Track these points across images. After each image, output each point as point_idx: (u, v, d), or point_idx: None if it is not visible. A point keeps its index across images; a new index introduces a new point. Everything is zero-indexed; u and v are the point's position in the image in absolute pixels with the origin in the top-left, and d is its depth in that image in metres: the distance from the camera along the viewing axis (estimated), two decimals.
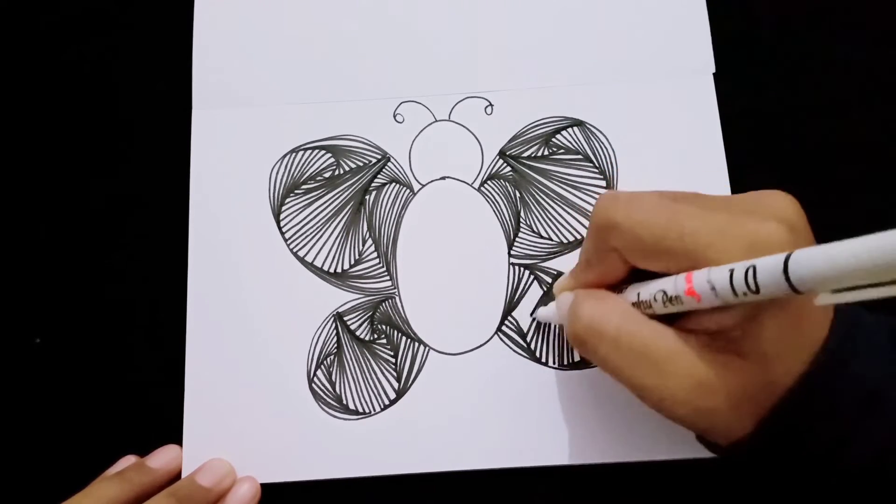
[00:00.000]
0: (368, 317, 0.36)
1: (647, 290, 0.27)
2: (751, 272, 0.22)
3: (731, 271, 0.23)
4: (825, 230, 0.37)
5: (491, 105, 0.38)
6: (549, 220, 0.37)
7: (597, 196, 0.36)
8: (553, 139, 0.38)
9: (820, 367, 0.25)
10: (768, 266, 0.21)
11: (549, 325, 0.35)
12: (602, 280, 0.29)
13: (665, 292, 0.26)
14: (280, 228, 0.37)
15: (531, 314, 0.36)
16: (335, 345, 0.36)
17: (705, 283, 0.24)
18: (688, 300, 0.25)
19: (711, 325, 0.26)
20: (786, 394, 0.25)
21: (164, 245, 0.37)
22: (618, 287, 0.29)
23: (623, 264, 0.28)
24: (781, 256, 0.21)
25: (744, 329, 0.25)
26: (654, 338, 0.26)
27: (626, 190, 0.31)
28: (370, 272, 0.37)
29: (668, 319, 0.27)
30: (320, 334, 0.36)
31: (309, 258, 0.37)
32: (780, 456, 0.26)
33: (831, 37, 0.39)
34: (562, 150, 0.38)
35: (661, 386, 0.26)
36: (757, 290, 0.22)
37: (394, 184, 0.38)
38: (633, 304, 0.28)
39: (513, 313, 0.36)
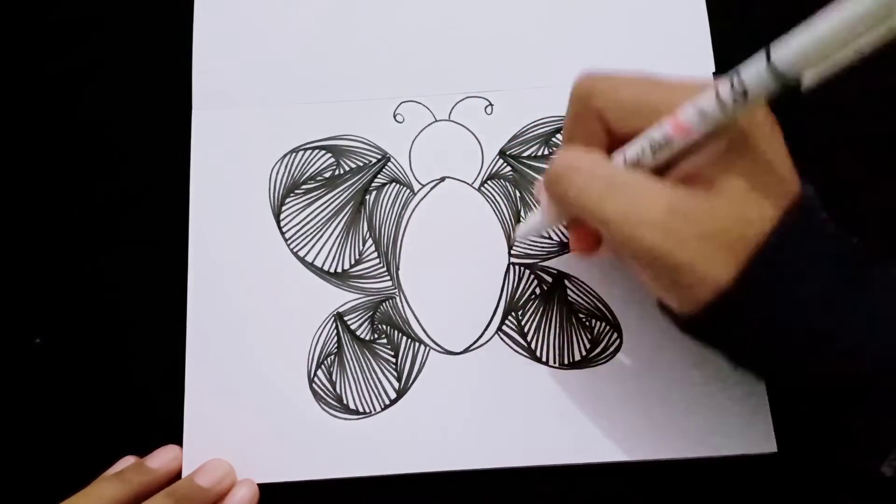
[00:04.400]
0: (369, 317, 0.36)
1: (633, 148, 0.27)
2: (736, 77, 0.23)
3: (717, 90, 0.23)
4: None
5: (491, 105, 0.38)
6: None
7: None
8: (553, 139, 0.38)
9: (798, 213, 0.25)
10: (752, 64, 0.22)
11: (549, 324, 0.35)
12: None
13: (651, 139, 0.26)
14: (280, 228, 0.37)
15: (512, 238, 0.36)
16: (335, 345, 0.36)
17: (692, 112, 0.24)
18: (676, 138, 0.25)
19: (688, 168, 0.26)
20: (764, 238, 0.25)
21: (164, 245, 0.37)
22: None
23: (603, 133, 0.28)
24: (762, 51, 0.22)
25: (717, 167, 0.25)
26: (628, 173, 0.27)
27: None
28: (370, 272, 0.37)
29: None
30: (320, 334, 0.36)
31: (309, 258, 0.37)
32: (762, 310, 0.25)
33: None
34: None
35: (634, 211, 0.25)
36: (745, 93, 0.23)
37: (394, 184, 0.38)
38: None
39: (513, 313, 0.36)
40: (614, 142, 0.28)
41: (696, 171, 0.26)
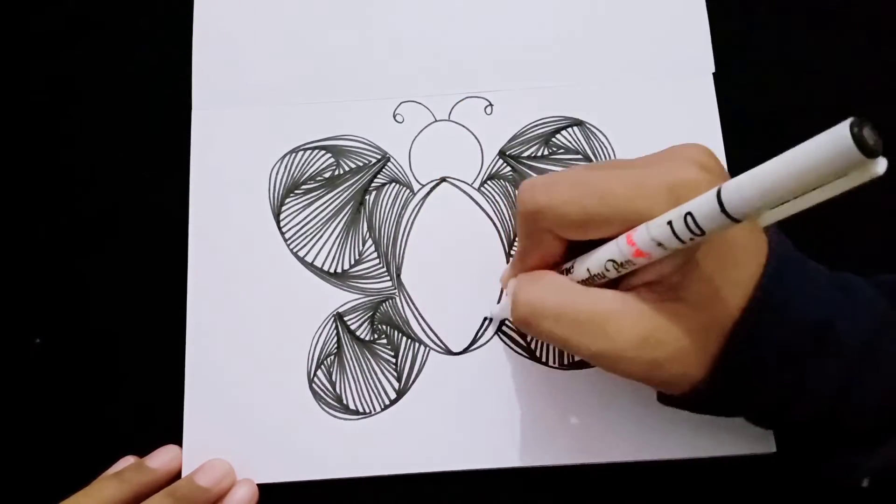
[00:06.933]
0: (369, 317, 0.36)
1: (596, 263, 0.27)
2: (689, 217, 0.22)
3: (670, 222, 0.23)
4: (824, 229, 0.37)
5: (491, 105, 0.38)
6: None
7: None
8: (553, 139, 0.38)
9: (758, 301, 0.26)
10: (704, 205, 0.22)
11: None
12: (543, 262, 0.30)
13: (615, 261, 0.26)
14: (280, 228, 0.37)
15: (486, 317, 0.36)
16: (335, 345, 0.36)
17: (649, 240, 0.24)
18: (638, 261, 0.25)
19: (651, 277, 0.26)
20: (731, 331, 0.26)
21: (163, 245, 0.37)
22: (561, 264, 0.30)
23: (558, 241, 0.28)
24: (713, 192, 0.21)
25: (682, 273, 0.26)
26: (593, 304, 0.27)
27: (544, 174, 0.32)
28: (370, 272, 0.37)
29: (609, 282, 0.28)
30: (320, 334, 0.36)
31: (309, 258, 0.37)
32: (739, 397, 0.27)
33: (831, 37, 0.39)
34: (562, 150, 0.38)
35: (610, 348, 0.26)
36: (702, 232, 0.22)
37: (394, 184, 0.38)
38: (586, 280, 0.28)
39: None
40: (571, 245, 0.29)
41: (661, 277, 0.26)
